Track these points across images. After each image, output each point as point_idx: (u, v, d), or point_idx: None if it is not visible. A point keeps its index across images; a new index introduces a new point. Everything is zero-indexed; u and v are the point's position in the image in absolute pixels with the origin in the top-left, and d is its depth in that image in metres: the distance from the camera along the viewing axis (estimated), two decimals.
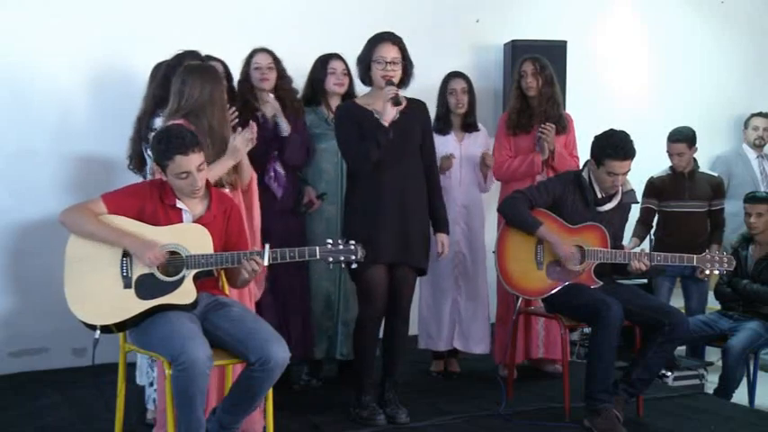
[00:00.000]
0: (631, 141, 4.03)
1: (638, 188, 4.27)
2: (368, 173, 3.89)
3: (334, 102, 4.59)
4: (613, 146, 3.98)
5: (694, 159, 5.41)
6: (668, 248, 4.53)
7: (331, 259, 3.28)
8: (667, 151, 5.38)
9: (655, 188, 5.43)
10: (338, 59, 4.58)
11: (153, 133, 3.83)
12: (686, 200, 5.37)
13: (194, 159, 3.18)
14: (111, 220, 3.19)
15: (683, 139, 5.33)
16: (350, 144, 3.92)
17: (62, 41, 4.95)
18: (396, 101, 3.85)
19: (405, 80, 3.98)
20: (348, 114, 3.98)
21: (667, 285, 5.49)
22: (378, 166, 3.87)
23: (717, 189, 5.45)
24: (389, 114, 3.85)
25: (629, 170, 4.05)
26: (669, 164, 5.42)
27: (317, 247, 3.29)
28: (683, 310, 5.39)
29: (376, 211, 3.89)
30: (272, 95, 4.36)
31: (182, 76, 3.56)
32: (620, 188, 4.15)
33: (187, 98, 3.52)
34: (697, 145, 5.36)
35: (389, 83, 3.88)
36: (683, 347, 5.41)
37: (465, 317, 4.86)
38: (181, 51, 3.95)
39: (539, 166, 4.71)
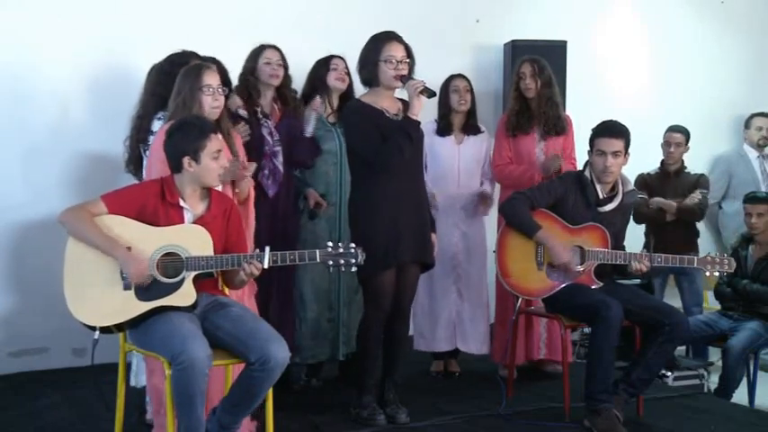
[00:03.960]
0: (620, 124, 4.12)
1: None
2: (387, 173, 3.85)
3: (335, 99, 4.59)
4: (602, 125, 4.13)
5: (681, 160, 5.60)
6: (659, 242, 4.66)
7: (331, 263, 3.27)
8: (665, 141, 5.57)
9: (644, 183, 5.59)
10: (340, 58, 4.59)
11: (152, 136, 3.84)
12: (670, 196, 5.51)
13: (220, 140, 3.32)
14: (110, 221, 3.18)
15: (682, 130, 5.58)
16: (372, 141, 3.85)
17: (62, 40, 4.95)
18: (430, 93, 3.84)
19: (410, 77, 3.95)
20: (362, 112, 3.93)
21: (659, 282, 5.53)
22: (396, 166, 3.86)
23: (698, 183, 5.57)
24: (418, 108, 3.85)
25: (621, 155, 4.05)
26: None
27: (318, 251, 3.28)
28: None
29: (398, 212, 3.88)
30: (319, 98, 4.42)
31: (178, 79, 3.57)
32: (621, 188, 4.15)
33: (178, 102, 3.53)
34: (690, 145, 5.57)
35: (405, 78, 3.86)
36: (686, 347, 5.45)
37: (464, 317, 4.86)
38: (175, 52, 3.95)
39: (536, 182, 4.70)
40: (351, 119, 4.03)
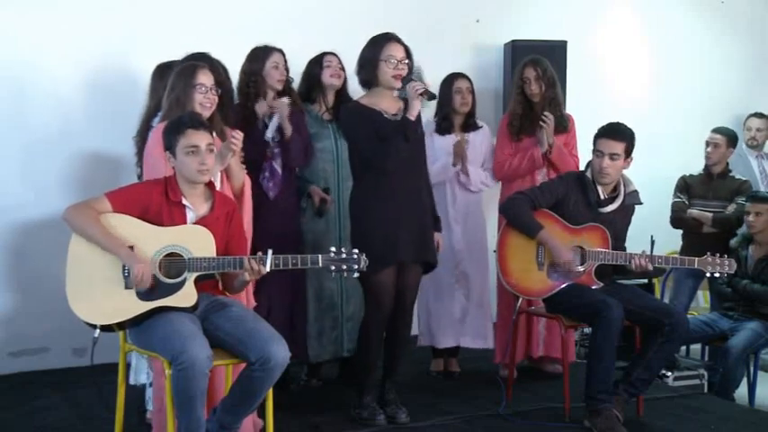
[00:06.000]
0: (624, 127, 4.11)
1: (643, 188, 4.26)
2: (385, 172, 3.85)
3: (331, 96, 4.59)
4: (605, 126, 4.13)
5: (726, 163, 5.50)
6: (692, 248, 4.59)
7: (333, 268, 3.27)
8: (705, 142, 5.49)
9: (685, 185, 5.51)
10: (333, 55, 4.59)
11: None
12: (710, 199, 5.41)
13: (204, 136, 3.25)
14: (113, 220, 3.19)
15: (723, 131, 5.48)
16: (369, 142, 3.86)
17: (62, 40, 4.95)
18: (430, 95, 3.85)
19: (410, 78, 3.95)
20: (361, 114, 3.93)
21: (690, 284, 5.47)
22: (394, 165, 3.85)
23: (740, 190, 5.42)
24: (417, 109, 3.86)
25: (619, 158, 4.05)
26: (670, 164, 5.46)
27: (320, 256, 3.28)
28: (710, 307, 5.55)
29: (397, 211, 3.88)
30: (285, 99, 4.30)
31: (171, 77, 3.57)
32: (623, 189, 4.15)
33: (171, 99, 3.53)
34: (733, 149, 5.49)
35: (406, 79, 3.87)
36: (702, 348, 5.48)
37: (467, 315, 4.86)
38: (191, 53, 3.94)
39: (539, 160, 4.69)
40: (348, 120, 4.04)
